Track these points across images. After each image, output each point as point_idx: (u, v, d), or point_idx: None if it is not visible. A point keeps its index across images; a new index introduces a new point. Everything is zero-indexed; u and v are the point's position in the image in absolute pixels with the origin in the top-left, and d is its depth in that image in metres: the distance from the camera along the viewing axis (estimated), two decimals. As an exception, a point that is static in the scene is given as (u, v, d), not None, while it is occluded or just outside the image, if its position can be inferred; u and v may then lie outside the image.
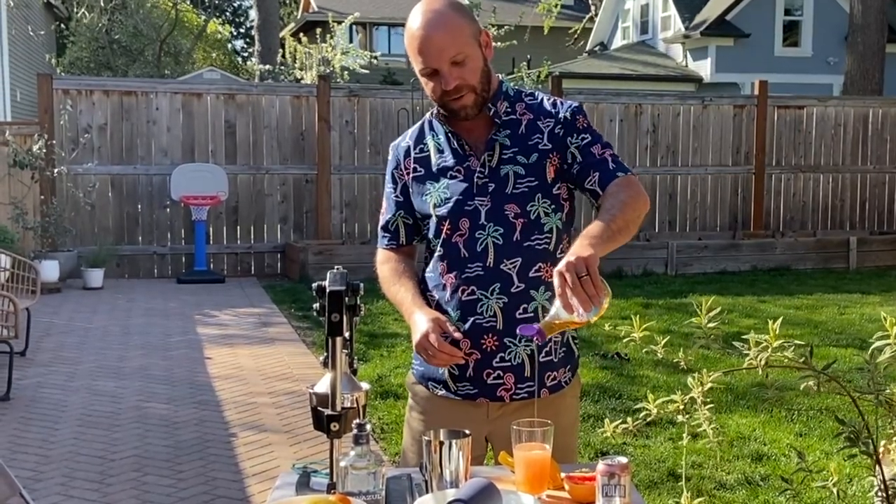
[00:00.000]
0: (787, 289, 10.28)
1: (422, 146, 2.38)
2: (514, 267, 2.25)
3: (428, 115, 2.43)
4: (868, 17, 15.61)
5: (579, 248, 1.99)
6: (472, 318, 2.25)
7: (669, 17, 25.47)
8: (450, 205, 2.29)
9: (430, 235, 2.35)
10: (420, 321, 2.18)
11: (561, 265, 1.95)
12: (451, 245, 2.28)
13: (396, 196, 2.40)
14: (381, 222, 2.45)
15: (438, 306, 2.29)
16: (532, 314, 2.26)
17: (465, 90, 2.22)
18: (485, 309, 2.24)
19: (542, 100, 2.37)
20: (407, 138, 2.43)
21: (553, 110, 2.33)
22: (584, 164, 2.28)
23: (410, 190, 2.38)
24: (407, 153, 2.39)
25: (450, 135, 2.33)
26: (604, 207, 2.17)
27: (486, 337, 2.26)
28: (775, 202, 13.16)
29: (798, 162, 13.23)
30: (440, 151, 2.35)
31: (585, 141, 2.30)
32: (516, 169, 2.28)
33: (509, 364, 2.26)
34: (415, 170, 2.37)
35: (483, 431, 2.30)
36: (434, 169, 2.34)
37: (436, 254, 2.33)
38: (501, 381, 2.27)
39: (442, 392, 2.33)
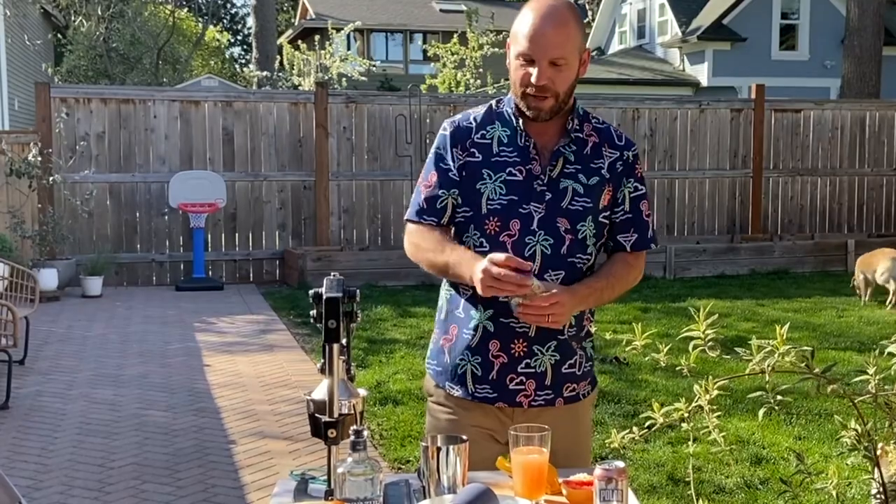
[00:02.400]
0: (785, 292, 10.29)
1: (485, 132, 2.34)
2: (557, 280, 2.25)
3: (494, 102, 2.40)
4: (865, 20, 15.64)
5: (576, 292, 2.23)
6: (505, 321, 2.25)
7: (666, 21, 25.52)
8: (504, 202, 2.27)
9: (471, 228, 2.31)
10: (481, 263, 2.11)
11: (563, 293, 2.16)
12: (499, 243, 2.26)
13: (453, 174, 2.32)
14: (425, 195, 2.34)
15: (467, 303, 2.30)
16: (561, 328, 2.28)
17: (549, 93, 2.23)
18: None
19: (608, 127, 2.40)
20: (470, 118, 2.37)
21: (619, 143, 2.37)
22: (629, 217, 2.36)
23: (463, 173, 2.32)
24: (469, 133, 2.34)
25: (522, 132, 2.31)
26: (617, 273, 2.35)
27: (516, 342, 2.27)
28: (773, 205, 13.17)
29: (795, 165, 13.24)
30: (504, 144, 2.32)
31: (639, 192, 2.37)
32: (576, 186, 2.29)
33: (533, 371, 2.27)
34: (472, 154, 2.32)
35: (501, 433, 2.26)
36: (493, 159, 2.31)
37: (476, 250, 2.26)
38: (523, 387, 2.28)
39: (458, 393, 2.32)
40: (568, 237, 2.27)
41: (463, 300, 2.31)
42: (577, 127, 2.33)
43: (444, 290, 2.40)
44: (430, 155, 2.38)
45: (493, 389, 2.28)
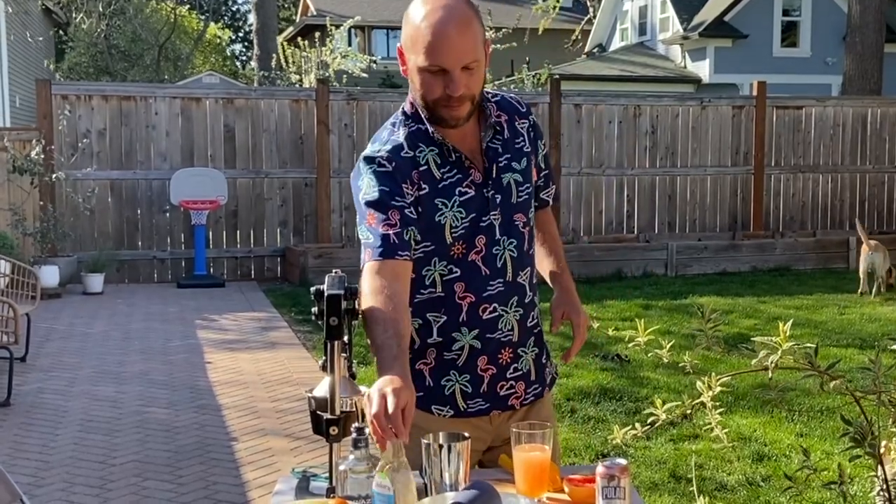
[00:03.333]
0: (786, 289, 10.28)
1: (418, 158, 2.14)
2: (527, 277, 2.23)
3: (401, 119, 2.18)
4: (866, 17, 15.61)
5: (577, 304, 2.36)
6: (492, 335, 2.19)
7: (668, 18, 25.48)
8: (466, 224, 2.14)
9: (433, 261, 2.15)
10: (403, 389, 1.80)
11: (585, 316, 2.32)
12: (468, 263, 2.15)
13: (410, 211, 2.09)
14: (393, 232, 2.05)
15: (444, 329, 2.17)
16: (537, 320, 2.28)
17: (466, 99, 2.07)
18: (504, 324, 2.19)
19: (502, 97, 2.29)
20: (400, 146, 2.14)
21: (522, 109, 2.30)
22: (546, 173, 2.38)
23: (419, 209, 2.12)
24: (414, 165, 2.13)
25: (446, 146, 2.14)
26: (553, 247, 2.43)
27: (503, 351, 2.21)
28: (774, 202, 13.16)
29: (797, 162, 13.23)
30: (439, 164, 2.14)
31: (546, 149, 2.38)
32: (514, 177, 2.21)
33: (520, 373, 2.25)
34: (420, 187, 2.12)
35: (487, 442, 2.25)
36: (440, 185, 2.13)
37: (445, 278, 2.15)
38: (513, 390, 2.24)
39: (451, 414, 2.21)
40: (526, 230, 2.23)
41: (436, 327, 2.18)
42: (488, 112, 2.20)
43: (414, 323, 2.18)
44: (372, 193, 2.09)
45: (486, 401, 2.22)
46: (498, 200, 2.17)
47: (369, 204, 2.08)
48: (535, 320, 2.28)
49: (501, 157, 2.20)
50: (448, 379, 2.20)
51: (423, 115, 2.14)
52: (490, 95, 2.24)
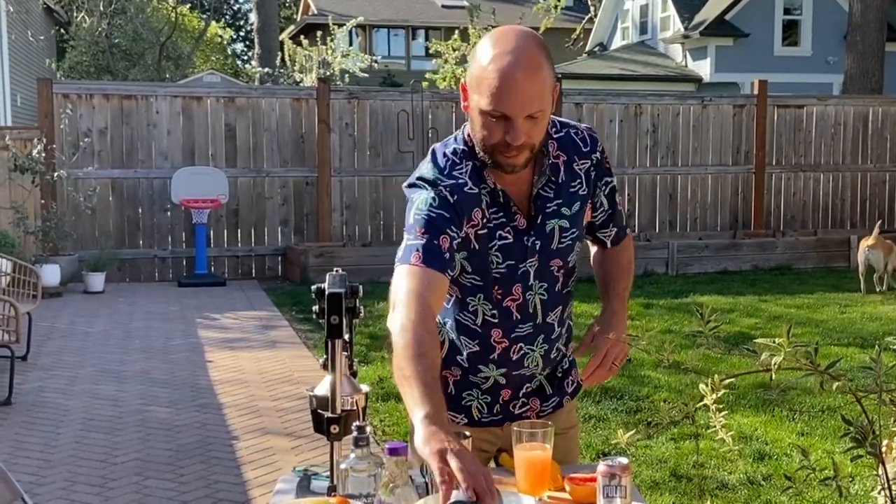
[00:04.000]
0: (788, 288, 10.28)
1: (479, 195, 2.07)
2: (556, 316, 2.22)
3: (461, 148, 2.09)
4: (867, 15, 15.61)
5: (610, 328, 2.22)
6: (517, 372, 2.22)
7: (669, 17, 25.47)
8: (503, 270, 2.12)
9: (479, 296, 2.15)
10: (450, 439, 1.65)
11: (617, 344, 2.19)
12: (504, 309, 2.16)
13: (458, 243, 2.01)
14: (433, 243, 1.96)
15: (473, 359, 2.21)
16: (563, 351, 2.29)
17: (525, 148, 1.97)
18: (530, 361, 2.22)
19: (566, 132, 2.17)
20: (469, 184, 2.05)
21: (585, 148, 2.17)
22: (608, 213, 2.27)
23: (473, 246, 2.07)
24: (476, 202, 2.05)
25: (499, 190, 2.07)
26: (616, 277, 2.32)
27: (528, 384, 2.26)
28: (776, 201, 13.16)
29: (798, 161, 13.23)
30: (489, 205, 2.08)
31: (610, 186, 2.24)
32: (561, 223, 2.13)
33: (533, 389, 2.26)
34: (473, 222, 2.06)
35: (497, 445, 2.27)
36: (488, 225, 2.08)
37: (485, 317, 2.16)
38: (527, 406, 2.27)
39: (464, 422, 2.26)
40: (561, 273, 2.18)
41: (466, 352, 2.21)
42: (546, 153, 2.10)
43: (449, 331, 2.21)
44: (428, 213, 2.01)
45: (500, 414, 2.27)
46: (538, 246, 2.12)
47: (423, 221, 2.00)
48: (561, 351, 2.28)
49: (551, 202, 2.12)
50: (469, 394, 2.25)
51: (479, 154, 2.05)
52: (553, 131, 2.14)
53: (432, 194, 2.03)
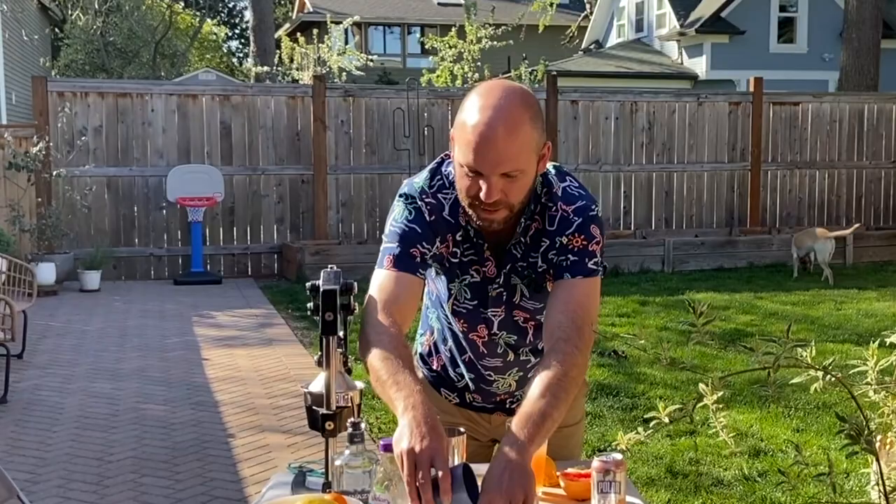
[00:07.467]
0: (783, 285, 10.28)
1: (456, 224, 2.07)
2: (531, 351, 2.22)
3: (449, 178, 2.07)
4: (863, 12, 15.62)
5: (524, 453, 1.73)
6: (488, 388, 2.27)
7: (664, 14, 25.47)
8: (469, 307, 2.14)
9: (439, 309, 2.22)
10: (432, 433, 1.67)
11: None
12: (470, 340, 2.20)
13: (429, 258, 2.06)
14: (406, 250, 2.02)
15: (451, 355, 2.27)
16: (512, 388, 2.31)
17: (501, 206, 1.93)
18: (500, 384, 2.27)
19: (560, 216, 2.03)
20: (447, 210, 2.06)
21: (569, 229, 2.02)
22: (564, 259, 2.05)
23: (446, 264, 2.11)
24: (451, 230, 2.06)
25: (477, 233, 2.06)
26: (543, 383, 1.84)
27: (501, 395, 2.30)
28: (771, 198, 13.17)
29: (794, 158, 13.24)
30: (462, 241, 2.08)
31: (571, 261, 2.02)
32: (525, 282, 2.10)
33: (518, 397, 2.26)
34: (449, 250, 2.08)
35: (487, 436, 2.32)
36: (459, 258, 2.10)
37: (454, 335, 2.22)
38: (518, 402, 2.27)
39: (457, 401, 2.32)
40: (530, 325, 2.17)
41: (445, 347, 2.29)
42: (532, 212, 2.04)
43: (435, 322, 2.29)
44: (403, 226, 2.05)
45: (491, 403, 2.31)
46: (504, 297, 2.12)
47: (396, 234, 2.04)
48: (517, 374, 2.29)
49: (518, 261, 2.08)
50: (459, 374, 2.29)
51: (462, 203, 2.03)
52: (562, 196, 2.04)
53: (410, 208, 2.06)
